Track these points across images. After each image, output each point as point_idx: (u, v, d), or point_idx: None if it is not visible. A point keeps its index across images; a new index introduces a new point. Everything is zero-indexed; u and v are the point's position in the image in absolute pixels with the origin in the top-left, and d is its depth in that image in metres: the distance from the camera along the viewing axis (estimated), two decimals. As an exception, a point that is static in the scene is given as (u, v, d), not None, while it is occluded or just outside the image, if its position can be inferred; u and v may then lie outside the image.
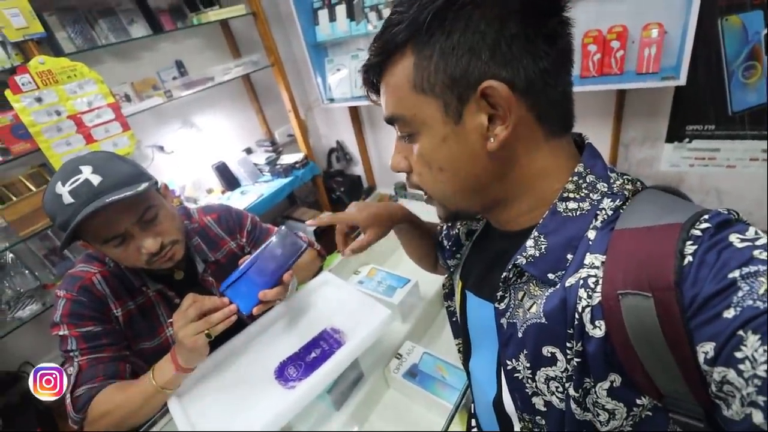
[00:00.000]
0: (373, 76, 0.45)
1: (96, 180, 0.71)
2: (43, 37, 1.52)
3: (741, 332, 0.27)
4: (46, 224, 1.56)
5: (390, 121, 0.45)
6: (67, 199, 0.69)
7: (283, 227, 0.84)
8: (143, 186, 0.72)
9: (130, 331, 0.86)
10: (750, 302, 0.27)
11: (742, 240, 0.31)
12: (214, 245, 0.96)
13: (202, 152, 2.27)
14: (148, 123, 2.01)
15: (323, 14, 2.15)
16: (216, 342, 0.77)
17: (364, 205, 0.73)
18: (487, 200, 0.46)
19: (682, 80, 1.39)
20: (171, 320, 0.87)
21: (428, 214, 0.76)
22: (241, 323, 0.88)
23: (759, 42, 1.34)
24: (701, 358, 0.29)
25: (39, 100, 1.49)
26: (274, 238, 0.81)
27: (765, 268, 0.28)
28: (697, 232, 0.33)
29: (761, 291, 0.27)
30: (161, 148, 2.09)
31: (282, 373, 0.79)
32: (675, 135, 1.64)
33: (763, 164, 1.53)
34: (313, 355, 0.81)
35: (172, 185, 2.10)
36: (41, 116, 1.50)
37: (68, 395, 0.76)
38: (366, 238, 0.70)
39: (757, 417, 0.26)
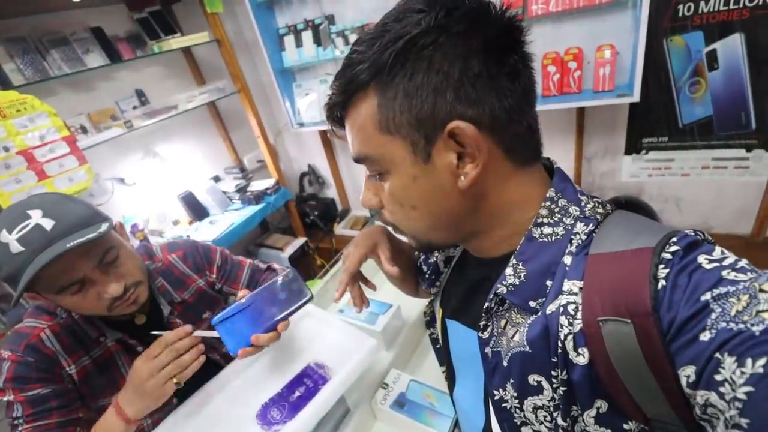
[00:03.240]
0: (337, 112, 0.44)
1: (48, 224, 0.64)
2: (-11, 69, 1.44)
3: (718, 355, 0.27)
4: (-7, 268, 1.43)
5: (358, 160, 0.44)
6: (16, 248, 0.62)
7: (291, 270, 0.77)
8: (104, 227, 0.67)
9: (87, 388, 0.78)
10: (723, 324, 0.28)
11: (710, 261, 0.32)
12: (181, 284, 0.90)
13: (166, 182, 2.18)
14: (106, 155, 1.92)
15: (289, 40, 2.16)
16: (193, 383, 0.72)
17: (354, 241, 0.71)
18: (460, 233, 0.47)
19: (636, 97, 1.48)
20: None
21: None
22: (217, 365, 0.83)
23: (701, 60, 1.45)
24: (684, 381, 0.30)
25: (-16, 136, 1.39)
26: (279, 279, 0.74)
27: (734, 288, 0.29)
28: (668, 255, 0.33)
29: (733, 312, 0.28)
30: (122, 181, 1.99)
31: (265, 416, 0.74)
32: (633, 147, 1.73)
33: (714, 172, 1.63)
34: (297, 393, 0.76)
35: (134, 219, 2.00)
36: (-13, 153, 1.40)
37: None
38: (385, 253, 0.66)
39: None
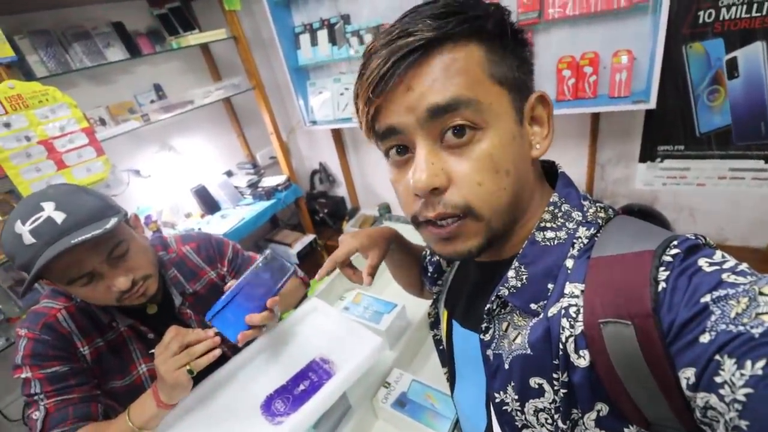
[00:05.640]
0: (420, 48, 0.36)
1: (59, 217, 0.66)
2: (14, 61, 1.47)
3: (717, 357, 0.28)
4: (11, 254, 1.47)
5: (450, 106, 0.36)
6: (28, 239, 0.64)
7: (269, 251, 0.81)
8: (112, 223, 0.68)
9: (99, 369, 0.80)
10: (723, 326, 0.28)
11: (711, 264, 0.32)
12: (193, 276, 0.92)
13: (180, 176, 2.22)
14: (124, 147, 1.96)
15: (305, 39, 2.18)
16: (201, 374, 0.73)
17: (355, 232, 0.72)
18: (509, 222, 0.42)
19: (652, 103, 1.46)
20: (150, 353, 0.83)
21: (414, 236, 0.75)
22: (224, 357, 0.84)
23: (721, 67, 1.42)
24: (684, 383, 0.30)
25: (7, 125, 1.43)
26: (260, 263, 0.77)
27: (734, 291, 0.29)
28: (668, 258, 0.34)
29: (732, 314, 0.28)
30: (137, 172, 2.03)
31: (269, 408, 0.75)
32: (647, 155, 1.70)
33: (731, 182, 1.60)
34: (302, 387, 0.77)
35: (148, 210, 2.04)
36: (9, 142, 1.44)
37: None
38: (371, 260, 0.67)
39: None
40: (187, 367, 0.69)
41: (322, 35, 2.12)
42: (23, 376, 0.73)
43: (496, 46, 0.39)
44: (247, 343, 0.87)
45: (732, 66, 1.41)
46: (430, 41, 0.36)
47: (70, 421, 0.72)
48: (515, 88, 0.40)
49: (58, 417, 0.72)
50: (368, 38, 1.99)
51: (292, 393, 0.76)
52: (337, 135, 2.57)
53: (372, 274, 0.67)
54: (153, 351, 0.73)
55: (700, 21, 1.39)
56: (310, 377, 0.79)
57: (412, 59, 0.36)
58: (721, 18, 1.37)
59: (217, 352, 0.72)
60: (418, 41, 0.36)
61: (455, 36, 0.36)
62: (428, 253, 0.73)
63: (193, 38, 1.99)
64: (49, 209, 0.67)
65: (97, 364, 0.80)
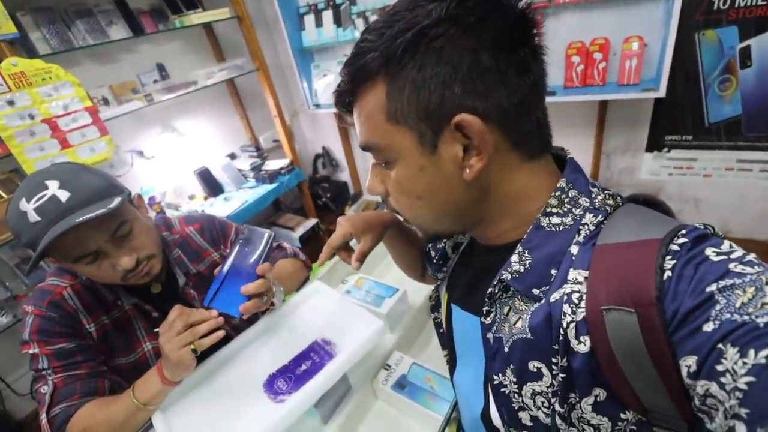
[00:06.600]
0: (346, 98, 0.44)
1: (64, 196, 0.66)
2: (16, 37, 1.46)
3: (720, 345, 0.28)
4: (17, 232, 1.49)
5: (365, 148, 0.44)
6: (33, 217, 0.65)
7: (244, 226, 0.82)
8: (116, 202, 0.68)
9: (104, 346, 0.82)
10: (728, 315, 0.28)
11: (718, 254, 0.32)
12: (197, 256, 0.93)
13: (184, 157, 2.22)
14: (127, 127, 1.95)
15: (309, 19, 2.14)
16: (204, 353, 0.75)
17: (352, 215, 0.73)
18: (466, 223, 0.47)
19: (662, 92, 1.44)
20: (154, 331, 0.84)
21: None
22: (229, 338, 0.86)
23: (734, 56, 1.40)
24: (684, 371, 0.30)
25: (11, 103, 1.42)
26: (239, 241, 0.78)
27: (740, 281, 0.29)
28: (675, 247, 0.33)
29: (738, 304, 0.28)
30: (141, 153, 2.03)
31: (271, 386, 0.77)
32: (655, 145, 1.69)
33: (738, 174, 1.58)
34: (304, 367, 0.79)
35: (152, 191, 2.05)
36: (13, 120, 1.43)
37: (43, 415, 0.72)
38: (362, 245, 0.69)
39: (740, 429, 0.26)
40: (191, 346, 0.70)
41: (327, 16, 2.08)
42: (31, 351, 0.74)
43: (399, 77, 0.38)
44: (251, 323, 0.88)
45: (745, 55, 1.39)
46: (350, 90, 0.42)
47: (77, 395, 0.73)
48: (421, 122, 0.39)
49: (65, 391, 0.73)
50: (374, 20, 1.96)
51: (294, 373, 0.78)
52: (341, 119, 2.55)
53: (360, 259, 0.69)
54: (158, 330, 0.74)
55: (715, 7, 1.36)
56: (312, 358, 0.80)
57: (345, 103, 0.44)
58: (736, 5, 1.33)
59: (221, 333, 0.73)
60: (342, 91, 0.43)
61: (366, 79, 0.40)
62: None
63: (197, 17, 1.96)
64: (53, 188, 0.67)
65: (102, 341, 0.81)
